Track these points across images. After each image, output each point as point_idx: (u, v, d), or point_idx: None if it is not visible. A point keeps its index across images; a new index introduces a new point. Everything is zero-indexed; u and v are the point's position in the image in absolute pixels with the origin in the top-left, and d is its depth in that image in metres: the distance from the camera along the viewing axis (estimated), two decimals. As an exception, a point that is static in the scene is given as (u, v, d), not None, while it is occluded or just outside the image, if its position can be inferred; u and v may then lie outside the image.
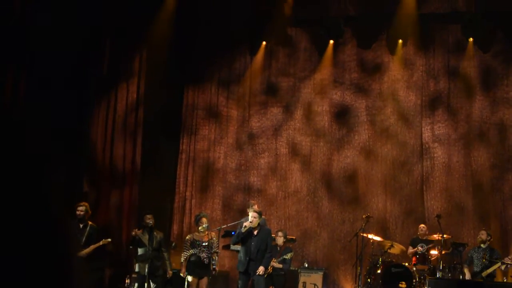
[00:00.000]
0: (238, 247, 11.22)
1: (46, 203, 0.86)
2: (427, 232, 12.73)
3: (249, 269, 10.40)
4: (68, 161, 11.40)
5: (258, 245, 10.37)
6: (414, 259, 12.52)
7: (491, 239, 11.91)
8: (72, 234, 0.90)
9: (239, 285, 10.65)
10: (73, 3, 11.44)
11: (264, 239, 10.47)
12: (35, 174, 0.86)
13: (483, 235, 11.86)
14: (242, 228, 10.41)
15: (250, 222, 10.39)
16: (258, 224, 10.46)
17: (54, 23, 10.97)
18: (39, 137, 0.89)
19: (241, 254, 10.59)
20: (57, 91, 11.35)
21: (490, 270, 11.48)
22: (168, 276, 11.29)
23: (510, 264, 11.45)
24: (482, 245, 11.83)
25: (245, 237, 10.47)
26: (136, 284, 11.39)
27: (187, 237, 11.40)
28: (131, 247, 11.94)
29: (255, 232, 10.44)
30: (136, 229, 11.45)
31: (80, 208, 10.45)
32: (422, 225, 13.03)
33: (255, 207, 11.50)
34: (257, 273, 10.28)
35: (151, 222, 11.29)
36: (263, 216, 12.34)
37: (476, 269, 11.68)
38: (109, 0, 12.83)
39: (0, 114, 0.88)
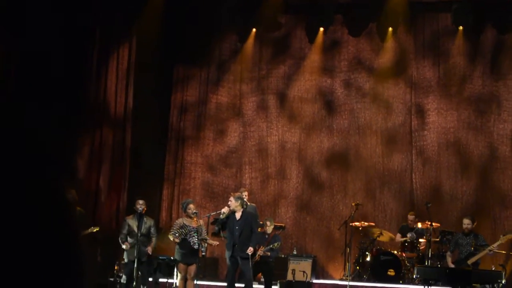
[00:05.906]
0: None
1: (50, 188, 0.84)
2: (416, 220, 12.74)
3: (234, 253, 10.44)
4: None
5: (241, 229, 10.40)
6: (402, 247, 12.57)
7: (475, 225, 11.73)
8: (76, 217, 0.88)
9: (228, 269, 10.70)
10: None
11: (248, 223, 10.50)
12: (37, 160, 0.83)
13: (468, 223, 11.53)
14: (221, 215, 10.49)
15: (228, 207, 10.47)
16: (243, 208, 10.49)
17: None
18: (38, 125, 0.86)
19: (228, 239, 10.66)
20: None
21: (476, 258, 11.24)
22: (148, 252, 11.17)
23: (496, 251, 11.38)
24: (466, 231, 11.50)
25: (229, 222, 10.51)
26: (125, 271, 11.33)
27: (177, 221, 11.36)
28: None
29: (238, 216, 10.47)
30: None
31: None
32: (411, 213, 13.04)
33: (245, 193, 11.52)
34: (247, 252, 10.28)
35: (141, 208, 11.22)
36: (252, 204, 12.37)
37: (461, 256, 11.52)
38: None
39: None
